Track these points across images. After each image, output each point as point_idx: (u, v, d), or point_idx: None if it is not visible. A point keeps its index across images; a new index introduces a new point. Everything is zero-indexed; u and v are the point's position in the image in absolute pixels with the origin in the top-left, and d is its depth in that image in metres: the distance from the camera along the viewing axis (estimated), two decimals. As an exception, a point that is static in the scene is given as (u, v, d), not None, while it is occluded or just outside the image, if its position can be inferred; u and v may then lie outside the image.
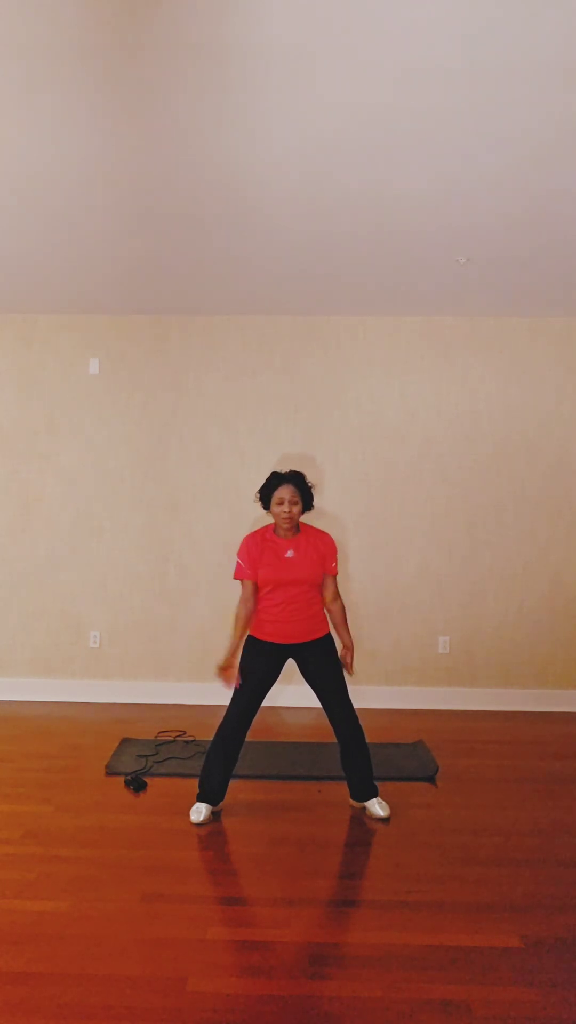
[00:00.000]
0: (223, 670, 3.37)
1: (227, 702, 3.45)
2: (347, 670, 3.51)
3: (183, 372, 5.35)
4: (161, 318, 5.35)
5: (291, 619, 3.38)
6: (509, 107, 2.74)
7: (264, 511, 3.54)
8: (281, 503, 3.39)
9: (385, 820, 3.38)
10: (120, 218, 3.75)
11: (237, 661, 3.40)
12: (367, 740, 4.30)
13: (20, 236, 3.99)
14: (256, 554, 3.40)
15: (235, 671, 3.38)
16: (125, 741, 4.38)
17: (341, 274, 4.50)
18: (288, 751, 4.23)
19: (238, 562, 3.44)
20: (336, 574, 3.50)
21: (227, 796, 3.52)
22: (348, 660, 3.51)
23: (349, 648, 3.52)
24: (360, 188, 3.38)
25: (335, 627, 3.53)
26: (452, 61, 2.49)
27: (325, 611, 3.51)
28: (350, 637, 3.55)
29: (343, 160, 3.14)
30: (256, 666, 3.40)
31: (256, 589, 3.43)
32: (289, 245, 4.05)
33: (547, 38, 2.37)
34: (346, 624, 3.53)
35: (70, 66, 2.55)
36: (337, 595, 3.50)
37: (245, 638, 3.47)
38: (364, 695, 5.18)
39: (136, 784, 3.71)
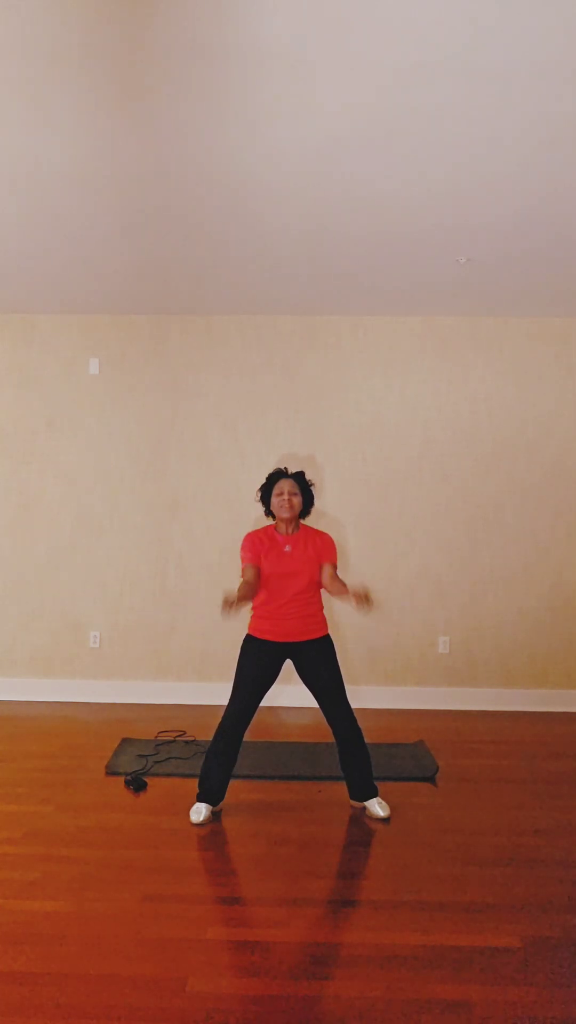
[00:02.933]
0: (227, 600, 3.18)
1: (226, 702, 3.45)
2: (367, 602, 3.24)
3: (183, 372, 5.35)
4: (161, 318, 5.35)
5: (288, 616, 3.39)
6: (509, 107, 2.74)
7: (266, 515, 3.55)
8: (281, 494, 3.41)
9: (385, 820, 3.38)
10: (120, 218, 3.75)
11: (239, 604, 3.21)
12: (367, 740, 4.31)
13: (20, 236, 3.99)
14: (258, 545, 3.42)
15: (234, 606, 3.18)
16: (125, 741, 4.38)
17: (341, 274, 4.50)
18: (288, 751, 4.23)
19: (242, 554, 3.45)
20: (335, 564, 3.46)
21: (227, 796, 3.52)
22: (360, 591, 3.24)
23: (352, 591, 3.27)
24: (360, 188, 3.38)
25: (339, 595, 3.36)
26: (452, 61, 2.49)
27: (326, 590, 3.43)
28: (347, 587, 3.34)
29: (343, 160, 3.14)
30: (254, 665, 3.40)
31: (259, 576, 3.40)
32: (289, 245, 4.05)
33: (547, 38, 2.37)
34: (344, 585, 3.36)
35: (70, 66, 2.55)
36: (336, 577, 3.41)
37: (240, 633, 3.44)
38: (364, 695, 5.18)
39: (136, 784, 3.71)
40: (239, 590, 3.30)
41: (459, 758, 4.20)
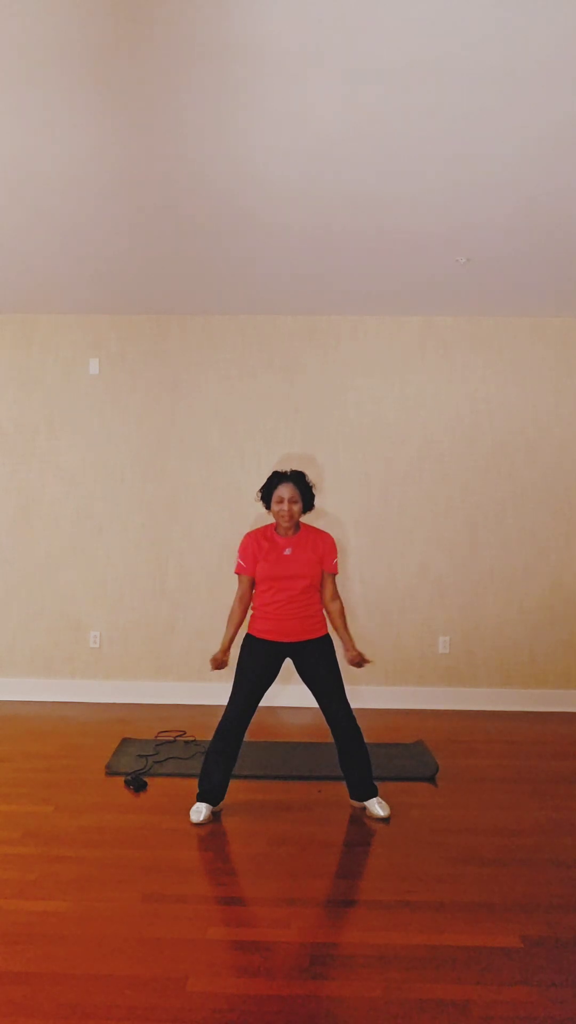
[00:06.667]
0: (215, 661, 3.46)
1: (226, 702, 3.45)
2: (361, 661, 3.50)
3: (183, 372, 5.35)
4: (161, 318, 5.35)
5: (288, 617, 3.39)
6: (509, 107, 2.74)
7: (266, 511, 3.55)
8: (281, 502, 3.41)
9: (385, 820, 3.38)
10: (120, 218, 3.75)
11: (228, 657, 3.47)
12: (367, 740, 4.30)
13: (20, 236, 3.98)
14: (255, 550, 3.43)
15: (225, 663, 3.47)
16: (125, 741, 4.38)
17: (341, 274, 4.50)
18: (288, 751, 4.23)
19: (239, 561, 3.46)
20: (335, 573, 3.51)
21: (227, 796, 3.52)
22: (357, 657, 3.49)
23: (351, 647, 3.51)
24: (360, 188, 3.38)
25: (335, 628, 3.53)
26: (452, 61, 2.49)
27: (324, 611, 3.51)
28: (350, 637, 3.54)
29: (343, 160, 3.14)
30: (254, 665, 3.40)
31: (253, 585, 3.46)
32: (289, 245, 4.05)
33: (547, 38, 2.37)
34: (345, 625, 3.53)
35: (69, 66, 2.55)
36: (336, 595, 3.51)
37: (240, 634, 3.49)
38: (364, 695, 5.18)
39: (136, 784, 3.71)
40: (229, 621, 3.50)
41: (459, 758, 4.20)
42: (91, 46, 2.45)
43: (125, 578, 5.32)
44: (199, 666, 5.27)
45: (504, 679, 5.26)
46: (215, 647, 5.20)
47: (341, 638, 3.53)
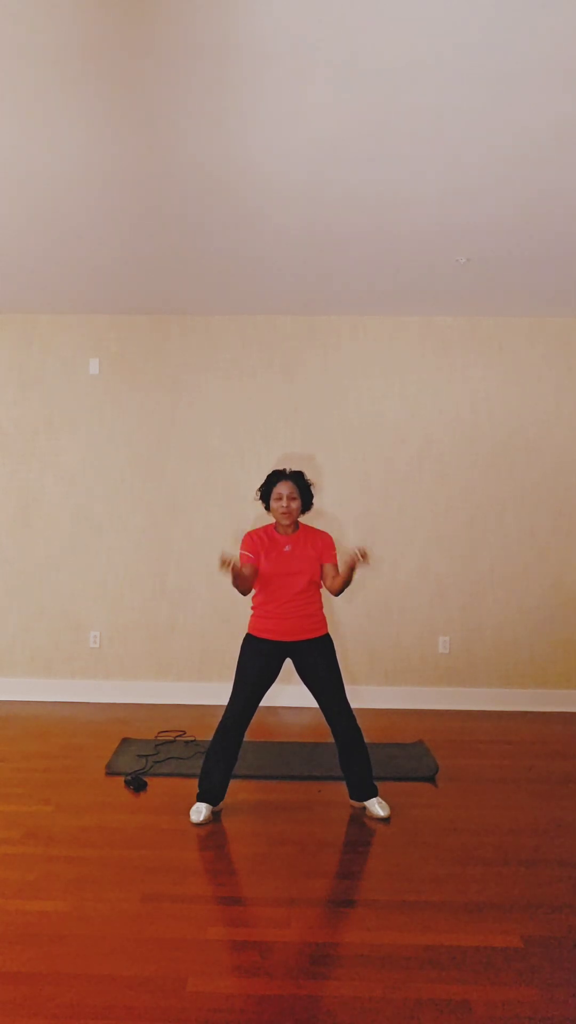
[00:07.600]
0: (224, 562, 3.18)
1: (226, 702, 3.45)
2: (364, 559, 3.22)
3: (183, 372, 5.35)
4: (161, 318, 5.35)
5: (288, 615, 3.39)
6: (509, 107, 2.74)
7: (265, 511, 3.55)
8: (280, 498, 3.42)
9: (385, 820, 3.38)
10: (120, 218, 3.75)
11: (237, 571, 3.26)
12: (367, 740, 4.31)
13: (20, 236, 3.99)
14: (257, 544, 3.43)
15: (231, 567, 3.20)
16: (125, 741, 4.38)
17: (341, 274, 4.50)
18: (288, 751, 4.23)
19: (241, 552, 3.45)
20: (336, 564, 3.47)
21: (227, 796, 3.52)
22: (356, 557, 3.22)
23: (347, 559, 3.26)
24: (360, 188, 3.38)
25: (342, 580, 3.34)
26: (452, 61, 2.49)
27: (329, 590, 3.44)
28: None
29: (343, 160, 3.14)
30: (254, 665, 3.40)
31: (256, 575, 3.42)
32: (289, 245, 4.05)
33: (547, 38, 2.37)
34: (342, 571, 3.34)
35: (69, 66, 2.55)
36: (337, 574, 3.41)
37: (240, 631, 3.47)
38: (364, 695, 5.18)
39: (136, 784, 3.71)
40: (236, 567, 3.26)
41: (459, 758, 4.20)
42: (91, 45, 2.45)
43: (125, 578, 5.32)
44: (199, 666, 5.28)
45: (504, 679, 5.26)
46: (215, 647, 5.24)
47: (345, 576, 3.31)
